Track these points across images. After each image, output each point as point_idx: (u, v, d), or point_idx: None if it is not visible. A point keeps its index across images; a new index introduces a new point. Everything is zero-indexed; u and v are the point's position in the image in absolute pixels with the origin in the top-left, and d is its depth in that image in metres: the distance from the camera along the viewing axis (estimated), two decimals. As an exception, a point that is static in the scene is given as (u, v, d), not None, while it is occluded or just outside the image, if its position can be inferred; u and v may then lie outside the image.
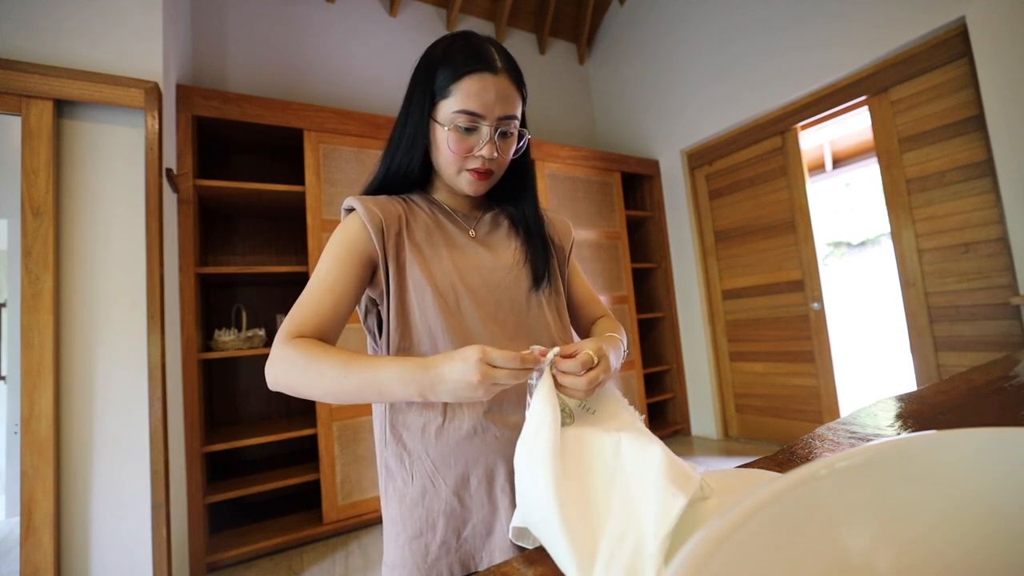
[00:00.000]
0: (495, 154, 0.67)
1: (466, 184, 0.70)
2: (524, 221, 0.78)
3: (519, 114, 0.68)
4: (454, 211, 0.77)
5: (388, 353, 0.67)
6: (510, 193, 0.79)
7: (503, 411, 0.66)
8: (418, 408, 0.66)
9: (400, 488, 0.66)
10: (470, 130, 0.66)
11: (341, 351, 0.59)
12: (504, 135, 0.68)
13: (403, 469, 0.66)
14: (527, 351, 0.54)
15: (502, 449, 0.65)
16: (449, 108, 0.65)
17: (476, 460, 0.65)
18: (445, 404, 0.65)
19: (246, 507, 2.42)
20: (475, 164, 0.68)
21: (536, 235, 0.77)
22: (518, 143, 0.71)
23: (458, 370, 0.52)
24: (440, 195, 0.77)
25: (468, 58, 0.64)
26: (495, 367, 0.52)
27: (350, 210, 0.71)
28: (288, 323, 0.62)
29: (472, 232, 0.76)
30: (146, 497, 1.55)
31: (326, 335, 0.63)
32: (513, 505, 0.63)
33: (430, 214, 0.74)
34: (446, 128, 0.65)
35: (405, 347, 0.67)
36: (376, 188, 0.75)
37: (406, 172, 0.73)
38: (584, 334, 0.86)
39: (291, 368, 0.59)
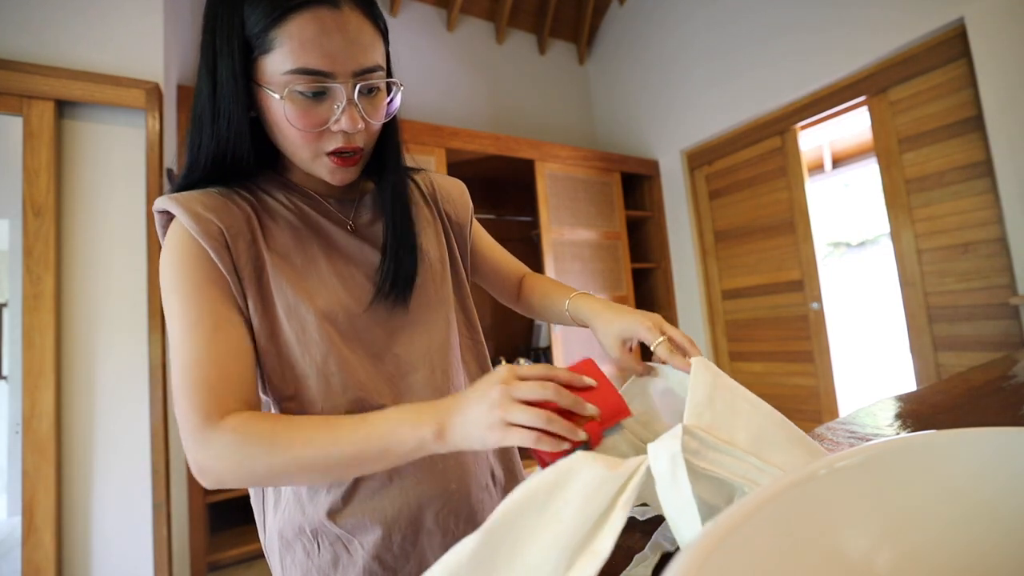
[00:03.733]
0: (360, 124, 0.48)
1: (327, 173, 0.51)
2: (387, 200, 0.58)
3: (383, 60, 0.50)
4: (322, 196, 0.57)
5: (276, 404, 0.53)
6: (374, 168, 0.59)
7: None
8: None
9: (302, 560, 0.52)
10: (317, 95, 0.46)
11: (304, 417, 0.45)
12: (368, 92, 0.48)
13: (304, 536, 0.52)
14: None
15: (424, 490, 0.53)
16: (278, 67, 0.44)
17: (397, 513, 0.52)
18: None
19: (247, 507, 2.42)
20: (335, 143, 0.48)
21: (399, 224, 0.57)
22: (389, 98, 0.52)
23: (475, 401, 0.40)
24: (297, 176, 0.57)
25: None
26: (518, 398, 0.38)
27: (166, 215, 0.50)
28: (194, 399, 0.44)
29: (351, 224, 0.57)
30: (147, 496, 1.56)
31: (251, 398, 0.47)
32: (443, 546, 0.53)
33: (291, 206, 0.55)
34: (278, 96, 0.45)
35: (289, 395, 0.51)
36: (193, 182, 0.52)
37: (231, 160, 0.50)
38: (513, 294, 0.74)
39: (245, 455, 0.42)
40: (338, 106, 0.46)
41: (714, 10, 3.20)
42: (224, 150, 0.49)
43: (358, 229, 0.58)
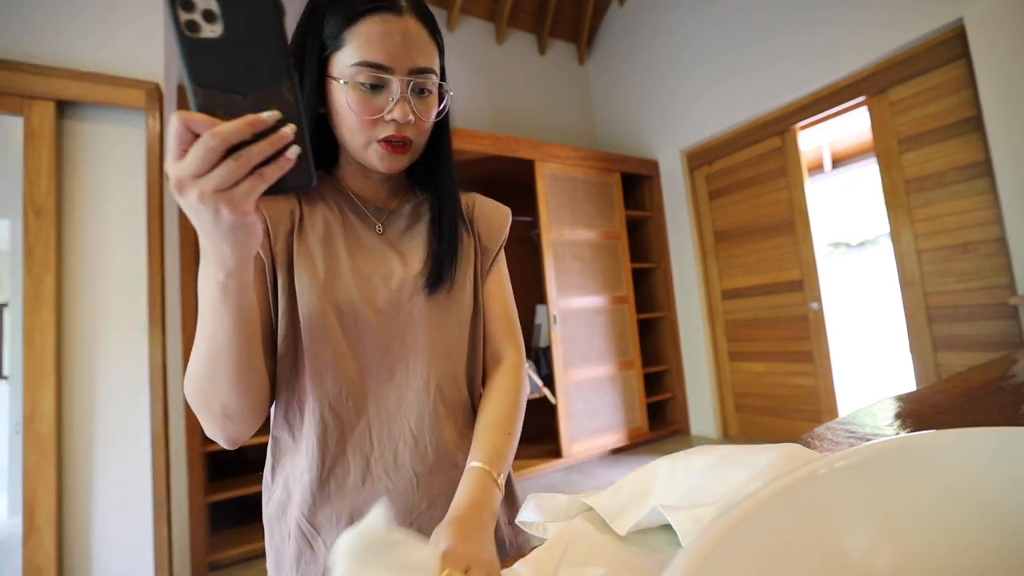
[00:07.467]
0: (411, 116, 0.53)
1: (377, 159, 0.55)
2: (437, 211, 0.63)
3: (436, 67, 0.56)
4: (364, 202, 0.62)
5: (282, 387, 0.56)
6: (425, 173, 0.64)
7: (396, 458, 0.56)
8: (301, 452, 0.55)
9: (279, 544, 0.55)
10: (376, 87, 0.52)
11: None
12: (420, 92, 0.54)
13: (284, 521, 0.55)
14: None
15: (393, 501, 0.55)
16: (346, 61, 0.51)
17: (363, 518, 0.53)
18: (324, 449, 0.54)
19: (247, 506, 2.42)
20: (387, 131, 0.53)
21: (447, 230, 0.62)
22: (440, 104, 0.58)
23: (194, 217, 0.36)
24: (350, 180, 0.62)
25: None
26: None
27: None
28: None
29: (379, 228, 0.61)
30: (147, 496, 1.56)
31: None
32: None
33: (332, 205, 0.60)
34: (343, 83, 0.52)
35: (289, 377, 0.55)
36: None
37: None
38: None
39: (191, 371, 0.46)
40: (392, 98, 0.52)
41: (714, 10, 3.21)
42: None
43: (387, 235, 0.62)
